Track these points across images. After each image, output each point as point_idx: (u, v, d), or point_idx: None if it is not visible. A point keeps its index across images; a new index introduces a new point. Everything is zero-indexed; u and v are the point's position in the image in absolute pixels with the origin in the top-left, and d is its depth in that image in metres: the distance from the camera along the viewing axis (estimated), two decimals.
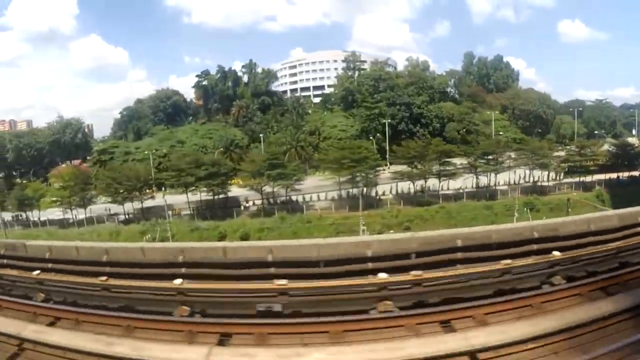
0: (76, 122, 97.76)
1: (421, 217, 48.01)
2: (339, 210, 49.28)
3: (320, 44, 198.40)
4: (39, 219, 56.28)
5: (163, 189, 57.07)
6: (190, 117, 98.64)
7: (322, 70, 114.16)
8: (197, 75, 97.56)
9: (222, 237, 43.16)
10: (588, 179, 56.75)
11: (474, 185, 56.51)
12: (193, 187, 49.97)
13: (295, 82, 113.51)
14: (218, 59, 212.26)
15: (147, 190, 54.98)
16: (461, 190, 54.09)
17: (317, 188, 53.67)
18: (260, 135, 78.14)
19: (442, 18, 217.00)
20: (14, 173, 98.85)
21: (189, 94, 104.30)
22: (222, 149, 73.85)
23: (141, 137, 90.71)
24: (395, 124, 74.00)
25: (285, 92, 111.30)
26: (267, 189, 51.18)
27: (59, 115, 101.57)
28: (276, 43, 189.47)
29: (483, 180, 57.46)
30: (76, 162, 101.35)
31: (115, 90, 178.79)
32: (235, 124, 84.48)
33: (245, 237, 42.36)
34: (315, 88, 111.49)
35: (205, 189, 49.95)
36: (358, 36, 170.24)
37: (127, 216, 53.88)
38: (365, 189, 51.18)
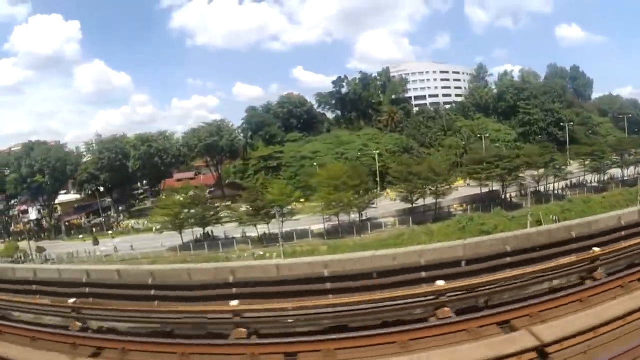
0: (225, 125, 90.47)
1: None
2: (588, 194, 62.50)
3: (323, 61, 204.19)
4: (259, 234, 52.12)
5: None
6: (326, 124, 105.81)
7: (422, 81, 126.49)
8: (333, 82, 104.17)
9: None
10: None
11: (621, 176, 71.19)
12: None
13: None
14: (220, 80, 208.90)
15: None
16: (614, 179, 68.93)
17: None
18: (425, 141, 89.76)
19: (441, 30, 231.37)
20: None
21: None
22: (399, 154, 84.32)
23: (273, 144, 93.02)
24: (545, 127, 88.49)
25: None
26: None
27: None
28: (280, 62, 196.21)
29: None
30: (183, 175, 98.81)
31: (118, 115, 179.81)
32: (392, 130, 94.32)
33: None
34: (417, 98, 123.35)
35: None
36: (359, 52, 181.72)
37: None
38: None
